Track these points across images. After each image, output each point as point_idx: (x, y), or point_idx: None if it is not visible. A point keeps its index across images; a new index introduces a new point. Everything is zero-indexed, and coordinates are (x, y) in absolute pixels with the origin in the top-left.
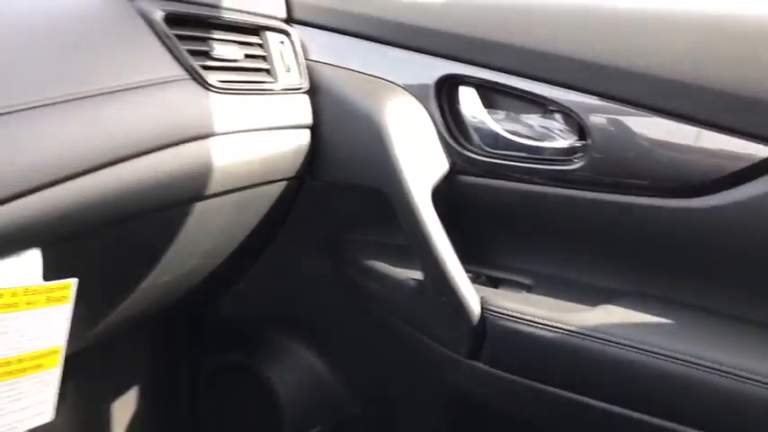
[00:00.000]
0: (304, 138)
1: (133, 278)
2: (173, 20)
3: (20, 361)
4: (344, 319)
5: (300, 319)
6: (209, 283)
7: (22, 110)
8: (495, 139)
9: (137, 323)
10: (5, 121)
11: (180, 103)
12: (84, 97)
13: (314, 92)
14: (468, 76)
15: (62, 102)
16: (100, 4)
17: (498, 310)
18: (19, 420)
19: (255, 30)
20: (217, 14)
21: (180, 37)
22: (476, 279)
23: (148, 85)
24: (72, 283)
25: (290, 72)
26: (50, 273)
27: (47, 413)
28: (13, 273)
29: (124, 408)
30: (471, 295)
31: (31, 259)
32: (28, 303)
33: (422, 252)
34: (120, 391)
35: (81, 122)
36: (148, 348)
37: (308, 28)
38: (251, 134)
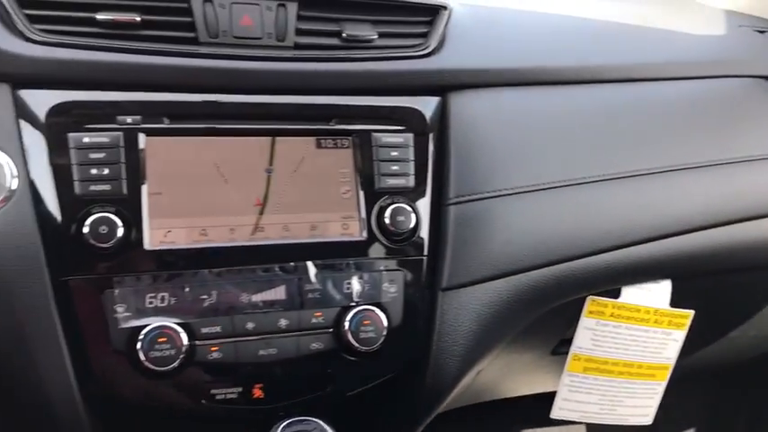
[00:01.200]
0: None
1: (726, 325)
2: None
3: (639, 367)
4: None
5: None
6: None
7: (678, 170)
8: None
9: (710, 367)
10: (672, 175)
11: None
12: (724, 163)
13: None
14: None
15: (704, 166)
16: (741, 85)
17: None
18: (629, 414)
19: None
20: None
21: None
22: None
23: None
24: (690, 314)
25: None
26: (672, 302)
27: (648, 416)
28: (650, 296)
29: None
30: None
31: (664, 288)
32: (655, 322)
33: None
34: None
35: (718, 183)
36: (711, 393)
37: None
38: None
